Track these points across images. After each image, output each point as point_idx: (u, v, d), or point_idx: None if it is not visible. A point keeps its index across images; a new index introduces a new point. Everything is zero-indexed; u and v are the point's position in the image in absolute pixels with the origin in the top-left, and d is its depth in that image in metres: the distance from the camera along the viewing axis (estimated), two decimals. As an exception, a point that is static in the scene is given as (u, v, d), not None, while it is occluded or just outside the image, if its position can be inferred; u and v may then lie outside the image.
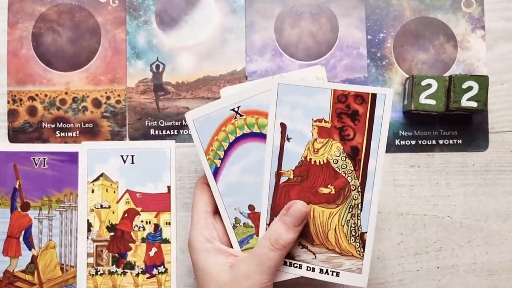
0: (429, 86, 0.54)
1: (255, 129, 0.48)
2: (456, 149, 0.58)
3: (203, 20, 0.58)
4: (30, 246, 0.56)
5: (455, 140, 0.58)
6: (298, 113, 0.47)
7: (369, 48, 0.58)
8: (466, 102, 0.53)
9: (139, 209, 0.57)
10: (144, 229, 0.57)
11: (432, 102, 0.54)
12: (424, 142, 0.58)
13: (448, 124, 0.57)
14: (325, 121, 0.47)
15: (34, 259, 0.56)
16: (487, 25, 0.58)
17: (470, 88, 0.53)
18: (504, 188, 0.57)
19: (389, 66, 0.58)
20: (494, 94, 0.57)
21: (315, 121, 0.47)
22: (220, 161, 0.48)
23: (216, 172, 0.48)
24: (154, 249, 0.56)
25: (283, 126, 0.47)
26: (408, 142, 0.57)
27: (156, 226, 0.57)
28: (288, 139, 0.47)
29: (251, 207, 0.48)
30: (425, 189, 0.57)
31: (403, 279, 0.57)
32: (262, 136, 0.48)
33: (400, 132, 0.57)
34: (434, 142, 0.58)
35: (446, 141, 0.58)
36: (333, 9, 0.58)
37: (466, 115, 0.57)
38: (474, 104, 0.53)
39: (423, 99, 0.54)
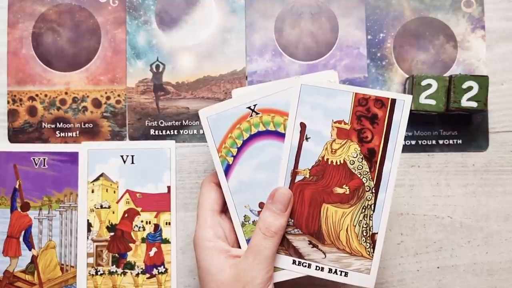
0: (429, 86, 0.54)
1: (271, 127, 0.49)
2: (456, 149, 0.58)
3: (203, 20, 0.58)
4: (30, 246, 0.56)
5: (455, 140, 0.58)
6: (319, 113, 0.48)
7: (369, 48, 0.58)
8: (466, 102, 0.53)
9: (139, 209, 0.57)
10: (144, 229, 0.57)
11: (432, 102, 0.54)
12: (424, 142, 0.58)
13: (448, 124, 0.57)
14: (345, 123, 0.48)
15: (34, 259, 0.56)
16: (487, 25, 0.58)
17: (470, 88, 0.54)
18: (504, 188, 0.57)
19: (389, 66, 0.58)
20: (494, 94, 0.57)
21: (335, 122, 0.48)
22: (232, 158, 0.49)
23: (227, 169, 0.49)
24: (154, 249, 0.56)
25: (303, 126, 0.48)
26: (408, 142, 0.57)
27: (156, 226, 0.57)
28: (307, 138, 0.48)
29: (262, 205, 0.48)
30: (425, 189, 0.57)
31: (403, 279, 0.57)
32: (277, 134, 0.48)
33: (400, 132, 0.58)
34: (434, 142, 0.58)
35: (446, 141, 0.58)
36: (333, 9, 0.58)
37: (466, 115, 0.57)
38: (474, 104, 0.53)
39: (423, 99, 0.54)
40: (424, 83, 0.54)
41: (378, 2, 0.59)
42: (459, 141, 0.58)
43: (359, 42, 0.58)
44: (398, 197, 0.57)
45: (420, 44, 0.58)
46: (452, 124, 0.57)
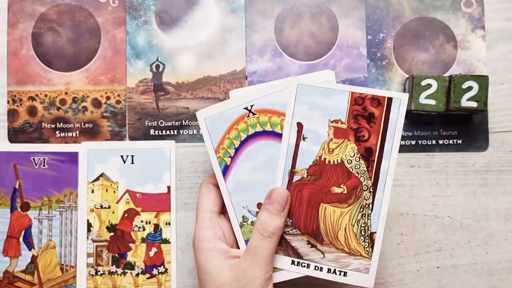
0: (429, 86, 0.54)
1: (268, 128, 0.49)
2: (456, 149, 0.58)
3: (203, 20, 0.58)
4: (30, 246, 0.56)
5: (455, 140, 0.58)
6: (315, 113, 0.48)
7: (369, 48, 0.58)
8: (466, 102, 0.53)
9: (139, 209, 0.57)
10: (144, 229, 0.57)
11: (432, 102, 0.54)
12: (424, 142, 0.58)
13: (448, 124, 0.57)
14: (342, 122, 0.48)
15: (34, 259, 0.56)
16: (487, 25, 0.58)
17: (470, 88, 0.54)
18: (504, 188, 0.57)
19: (389, 66, 0.58)
20: (494, 94, 0.57)
21: (332, 122, 0.48)
22: (230, 159, 0.49)
23: (225, 170, 0.49)
24: (154, 249, 0.56)
25: (299, 126, 0.48)
26: (408, 142, 0.57)
27: (156, 226, 0.57)
28: (304, 138, 0.48)
29: (260, 206, 0.48)
30: (425, 189, 0.57)
31: (403, 279, 0.57)
32: (274, 135, 0.49)
33: (400, 132, 0.58)
34: (434, 142, 0.58)
35: (446, 141, 0.58)
36: (333, 9, 0.58)
37: (466, 115, 0.57)
38: (474, 104, 0.53)
39: (423, 99, 0.54)
40: (424, 83, 0.54)
41: (378, 2, 0.59)
42: (459, 141, 0.58)
43: (359, 42, 0.58)
44: (398, 197, 0.57)
45: (420, 44, 0.58)
46: (452, 124, 0.57)
